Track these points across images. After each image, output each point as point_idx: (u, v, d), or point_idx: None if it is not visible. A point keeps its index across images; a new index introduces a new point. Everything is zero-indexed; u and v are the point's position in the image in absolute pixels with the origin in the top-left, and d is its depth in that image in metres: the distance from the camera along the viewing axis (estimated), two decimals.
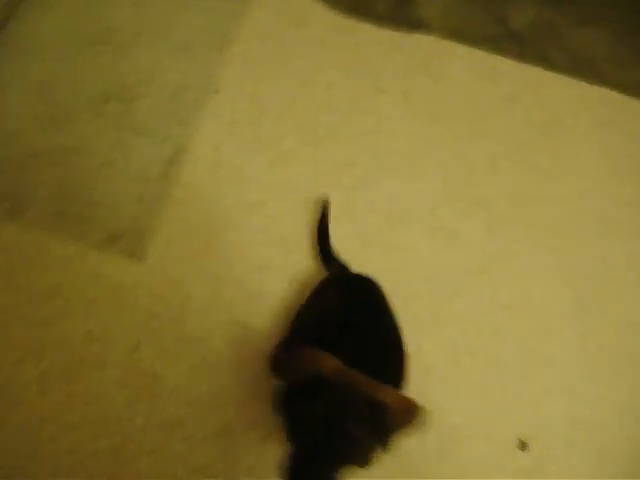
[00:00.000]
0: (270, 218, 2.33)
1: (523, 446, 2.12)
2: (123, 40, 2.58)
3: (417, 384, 2.10)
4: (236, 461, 2.01)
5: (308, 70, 2.62)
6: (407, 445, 2.04)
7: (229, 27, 2.66)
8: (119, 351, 2.10)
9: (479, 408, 2.15)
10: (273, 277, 2.23)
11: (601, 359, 2.26)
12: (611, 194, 2.54)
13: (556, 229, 2.44)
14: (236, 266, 2.25)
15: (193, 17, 2.68)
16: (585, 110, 2.71)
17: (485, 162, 2.52)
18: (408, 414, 1.42)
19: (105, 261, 2.22)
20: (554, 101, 2.70)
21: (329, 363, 1.42)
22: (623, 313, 2.34)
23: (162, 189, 2.33)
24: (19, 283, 2.16)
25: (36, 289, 2.16)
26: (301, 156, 2.45)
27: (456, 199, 2.44)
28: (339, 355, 1.47)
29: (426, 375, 2.15)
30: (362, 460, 1.40)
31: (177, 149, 2.40)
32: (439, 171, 2.49)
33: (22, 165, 2.33)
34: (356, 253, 2.28)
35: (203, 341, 2.14)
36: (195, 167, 2.39)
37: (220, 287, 2.21)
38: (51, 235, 2.23)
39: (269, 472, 1.99)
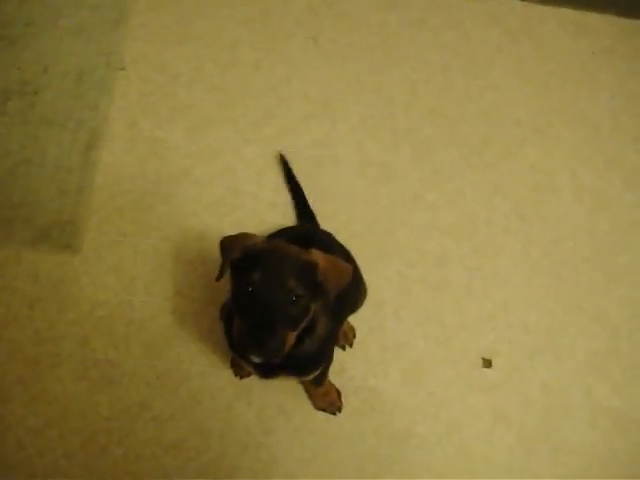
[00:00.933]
0: (198, 185, 2.30)
1: (487, 363, 2.15)
2: (14, 33, 2.48)
3: (373, 321, 2.13)
4: (209, 431, 2.00)
5: (211, 30, 2.56)
6: (371, 382, 2.07)
7: (122, 0, 2.58)
8: (70, 346, 2.07)
9: (438, 334, 2.17)
10: (212, 243, 2.20)
11: (546, 264, 2.30)
12: (530, 103, 2.56)
13: (484, 145, 2.46)
14: (173, 239, 2.22)
15: None
16: (494, 24, 2.71)
17: (403, 91, 2.51)
18: (337, 271, 1.48)
19: (40, 259, 2.17)
20: (462, 20, 2.70)
21: (255, 238, 1.49)
22: (559, 215, 2.39)
23: (84, 176, 2.27)
24: None
25: None
26: (218, 117, 2.42)
27: (381, 132, 2.44)
28: None
29: (380, 310, 2.16)
30: (303, 314, 1.43)
31: (92, 133, 2.34)
32: (359, 108, 2.47)
33: None
34: (287, 202, 2.29)
35: (153, 319, 2.11)
36: (114, 148, 2.34)
37: (161, 262, 2.19)
38: None
39: (243, 437, 2.00)
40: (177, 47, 2.52)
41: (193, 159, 2.34)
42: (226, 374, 2.02)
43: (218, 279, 1.52)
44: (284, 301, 1.37)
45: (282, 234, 1.92)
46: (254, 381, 2.01)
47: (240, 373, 2.01)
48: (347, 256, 1.92)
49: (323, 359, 1.73)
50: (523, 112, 2.53)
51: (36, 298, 2.12)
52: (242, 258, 1.44)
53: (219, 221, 2.25)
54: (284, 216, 2.25)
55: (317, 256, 1.45)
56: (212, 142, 2.37)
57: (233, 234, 1.53)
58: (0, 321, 2.08)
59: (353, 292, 1.85)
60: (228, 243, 1.51)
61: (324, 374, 1.86)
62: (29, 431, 1.98)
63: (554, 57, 2.66)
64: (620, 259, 2.35)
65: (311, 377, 1.76)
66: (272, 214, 2.26)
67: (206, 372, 2.05)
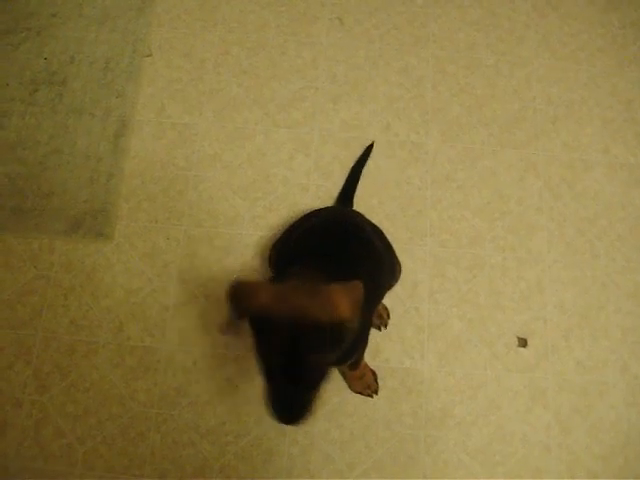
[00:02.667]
0: (228, 170, 2.30)
1: (523, 343, 2.13)
2: (39, 24, 2.49)
3: (407, 302, 2.12)
4: (246, 415, 2.01)
5: (236, 14, 2.55)
6: (407, 364, 2.06)
7: None
8: (106, 334, 2.08)
9: (473, 315, 2.15)
10: (244, 229, 2.21)
11: (580, 242, 2.27)
12: (560, 79, 2.51)
13: (513, 123, 2.42)
14: (204, 224, 2.22)
15: None
16: None
17: (431, 70, 2.48)
18: (356, 301, 1.27)
19: (73, 248, 2.19)
20: None
21: (257, 299, 1.27)
22: (593, 192, 2.34)
23: (114, 164, 2.28)
24: None
25: (9, 291, 2.12)
26: (246, 101, 2.41)
27: (410, 113, 2.41)
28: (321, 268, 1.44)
29: (414, 292, 2.15)
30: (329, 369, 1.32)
31: (121, 121, 2.35)
32: (387, 89, 2.45)
33: None
34: (318, 185, 2.28)
35: (187, 305, 2.12)
36: (143, 135, 2.34)
37: (194, 248, 2.19)
38: (11, 234, 2.19)
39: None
40: (203, 32, 2.51)
41: (222, 144, 2.33)
42: None
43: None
44: (308, 374, 1.27)
45: (316, 215, 1.91)
46: None
47: None
48: (380, 235, 1.90)
49: (359, 347, 1.72)
50: (554, 88, 2.48)
51: (70, 287, 2.14)
52: (256, 318, 1.29)
53: (250, 205, 2.25)
54: (316, 199, 2.24)
55: (339, 301, 1.24)
56: (241, 126, 2.36)
57: (242, 283, 1.34)
58: (36, 310, 2.11)
59: (387, 275, 1.84)
60: (237, 297, 1.32)
61: (360, 358, 1.86)
62: (68, 418, 2.00)
63: (583, 32, 2.60)
64: None
65: (348, 364, 1.76)
66: (304, 198, 2.26)
67: (242, 356, 2.06)
